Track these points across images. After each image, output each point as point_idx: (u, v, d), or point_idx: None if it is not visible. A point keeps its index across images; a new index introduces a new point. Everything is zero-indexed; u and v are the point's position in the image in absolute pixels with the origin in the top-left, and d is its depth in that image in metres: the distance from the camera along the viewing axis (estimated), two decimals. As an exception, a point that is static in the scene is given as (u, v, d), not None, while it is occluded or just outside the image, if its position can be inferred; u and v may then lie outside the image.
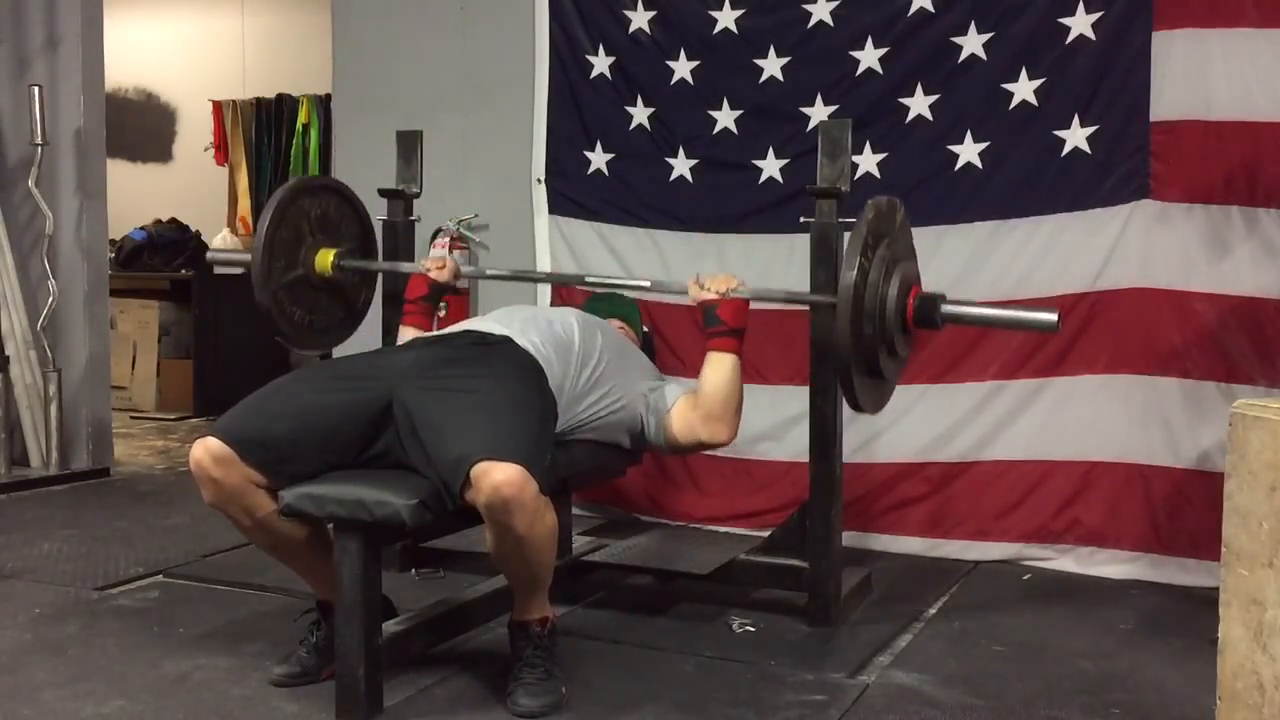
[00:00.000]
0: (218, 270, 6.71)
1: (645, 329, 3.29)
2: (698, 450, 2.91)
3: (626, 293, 3.35)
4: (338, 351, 3.50)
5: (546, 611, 2.43)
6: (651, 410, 2.80)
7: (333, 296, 3.20)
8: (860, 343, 2.52)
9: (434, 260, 3.06)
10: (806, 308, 2.96)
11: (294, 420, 2.37)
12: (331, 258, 3.11)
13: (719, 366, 2.75)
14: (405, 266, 3.18)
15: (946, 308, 2.65)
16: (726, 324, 2.75)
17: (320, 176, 3.21)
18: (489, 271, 3.31)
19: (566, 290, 4.02)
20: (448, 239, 4.14)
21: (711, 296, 2.77)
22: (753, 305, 3.75)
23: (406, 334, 2.97)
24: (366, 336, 3.38)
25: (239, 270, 3.06)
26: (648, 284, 3.23)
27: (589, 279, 3.46)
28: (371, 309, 3.38)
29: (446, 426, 2.28)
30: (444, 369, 2.47)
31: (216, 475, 2.32)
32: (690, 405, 2.78)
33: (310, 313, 3.15)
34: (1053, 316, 2.62)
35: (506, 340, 2.60)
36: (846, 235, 2.77)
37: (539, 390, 2.51)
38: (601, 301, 3.28)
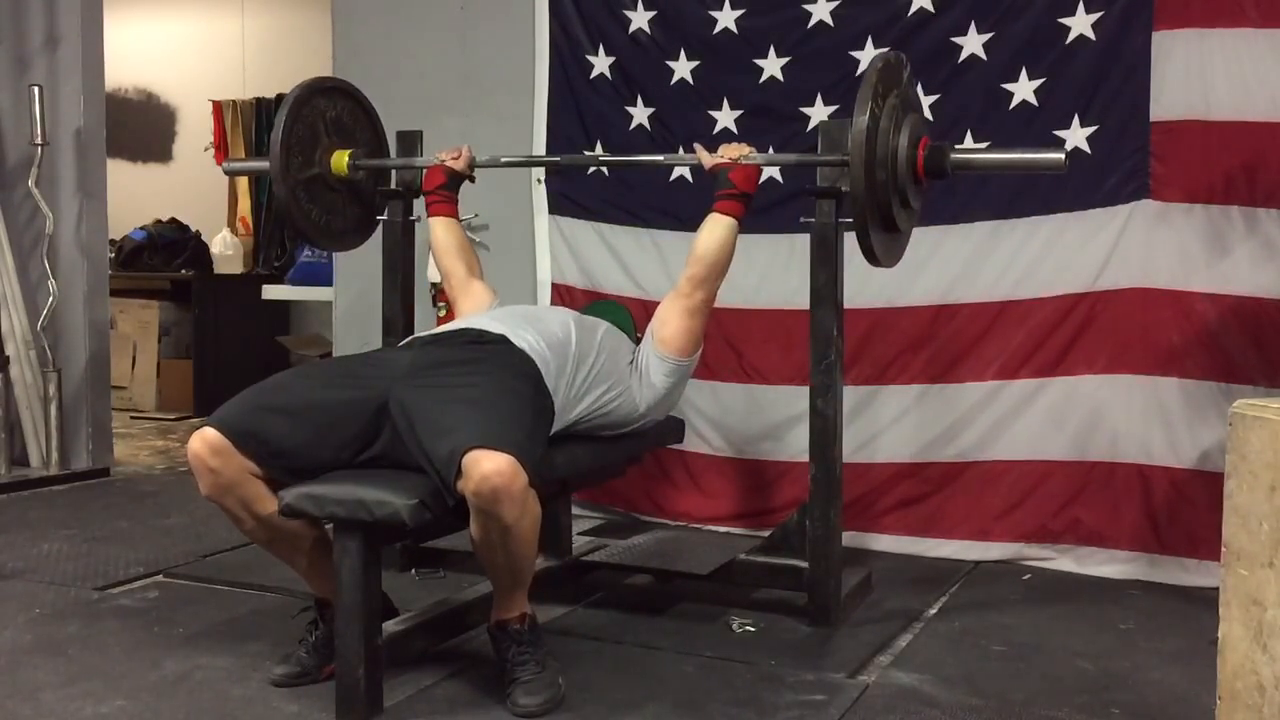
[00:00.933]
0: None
1: (639, 337, 3.29)
2: (695, 326, 2.86)
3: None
4: (342, 351, 3.49)
5: (525, 608, 2.43)
6: (640, 365, 2.83)
7: (349, 198, 3.29)
8: (874, 191, 2.56)
9: (449, 151, 3.17)
10: (806, 307, 2.96)
11: (291, 415, 2.38)
12: (347, 158, 3.20)
13: (720, 227, 2.83)
14: (420, 161, 3.27)
15: (955, 155, 2.71)
16: (736, 186, 2.83)
17: (332, 78, 3.28)
18: (503, 159, 3.36)
19: (565, 291, 4.03)
20: (448, 239, 4.13)
21: (725, 160, 2.86)
22: (754, 305, 3.78)
23: (436, 225, 3.11)
24: (366, 336, 3.38)
25: (260, 171, 3.17)
26: (660, 158, 3.40)
27: (602, 158, 3.48)
28: (373, 305, 3.38)
29: (441, 420, 2.29)
30: (440, 368, 2.47)
31: (214, 465, 2.32)
32: (665, 302, 2.87)
33: (327, 212, 3.24)
34: (1059, 156, 2.68)
35: (503, 339, 2.61)
36: (847, 235, 2.77)
37: (534, 386, 2.52)
38: (597, 309, 3.29)
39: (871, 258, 2.69)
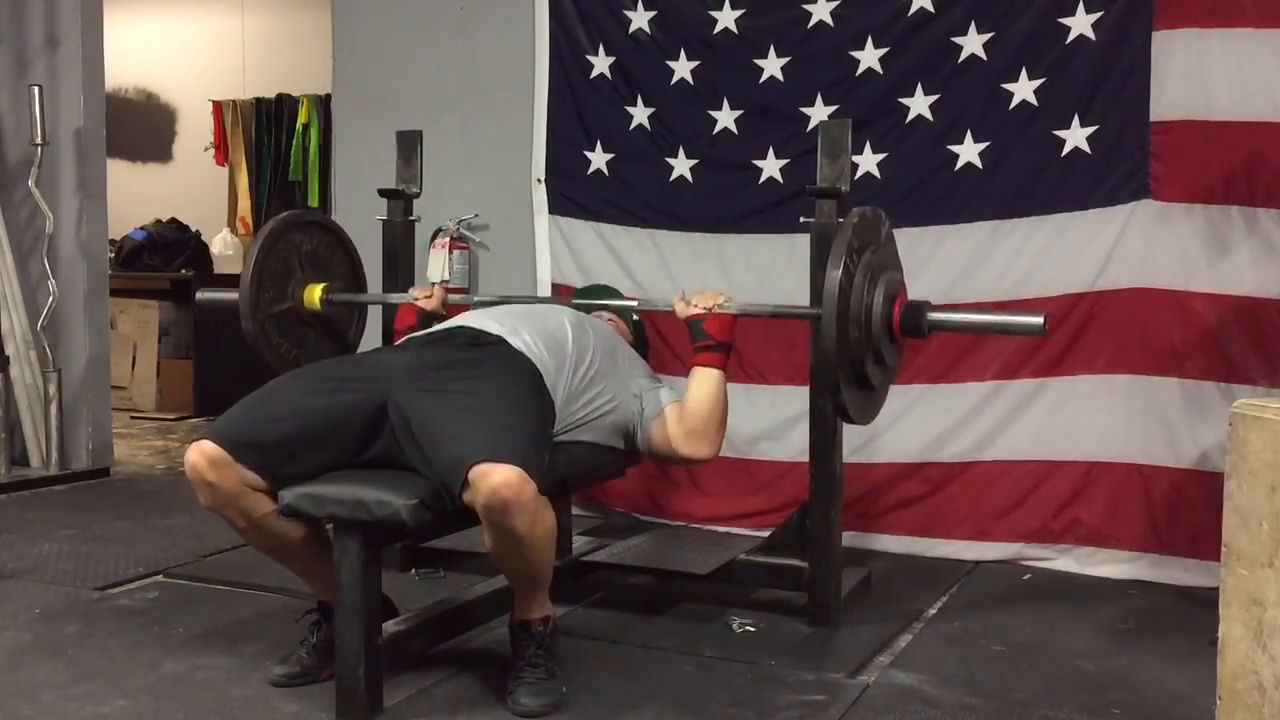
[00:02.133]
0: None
1: (636, 318, 3.29)
2: (675, 461, 2.87)
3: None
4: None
5: (548, 610, 2.43)
6: (640, 413, 2.79)
7: (321, 332, 3.22)
8: (846, 350, 2.50)
9: (421, 290, 3.08)
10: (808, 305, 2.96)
11: (289, 422, 2.37)
12: (320, 292, 3.14)
13: (704, 382, 2.73)
14: (394, 298, 3.20)
15: (933, 315, 2.63)
16: (713, 338, 2.74)
17: (311, 211, 3.24)
18: (476, 298, 3.33)
19: (566, 289, 4.02)
20: (448, 239, 4.14)
21: (698, 311, 2.77)
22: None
23: None
24: (367, 335, 3.38)
25: (230, 305, 3.08)
26: (635, 303, 3.24)
27: (576, 302, 3.44)
28: (371, 308, 3.38)
29: (444, 429, 2.28)
30: (439, 370, 2.46)
31: (212, 479, 2.32)
32: (675, 419, 2.75)
33: (298, 346, 3.17)
34: (1039, 320, 2.59)
35: (501, 341, 2.59)
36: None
37: (535, 391, 2.51)
38: (592, 292, 3.28)
39: (844, 415, 2.63)
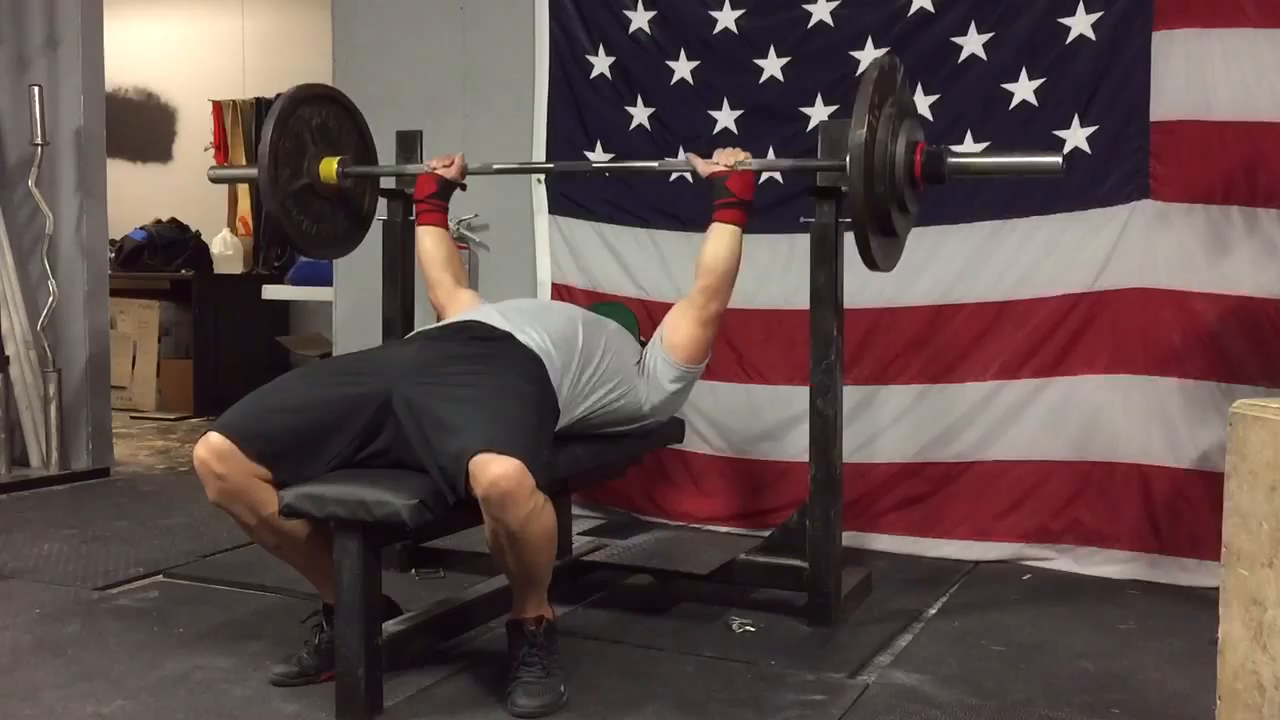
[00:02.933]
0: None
1: (641, 340, 3.28)
2: (704, 336, 2.86)
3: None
4: (342, 351, 3.49)
5: (543, 610, 2.43)
6: (648, 366, 2.84)
7: (338, 205, 3.28)
8: (873, 201, 2.56)
9: (441, 159, 3.13)
10: (805, 307, 2.95)
11: (295, 415, 2.37)
12: (335, 165, 3.19)
13: (725, 237, 2.83)
14: (411, 168, 3.25)
15: (953, 160, 2.69)
16: (734, 195, 2.82)
17: (317, 85, 3.26)
18: (495, 166, 3.35)
19: (565, 291, 4.02)
20: (448, 239, 4.14)
21: (720, 168, 2.85)
22: (754, 305, 3.78)
23: (424, 235, 3.09)
24: (366, 336, 3.38)
25: (248, 180, 3.18)
26: (655, 165, 3.37)
27: (597, 164, 3.48)
28: (372, 306, 3.38)
29: (447, 421, 2.28)
30: (445, 365, 2.46)
31: (220, 471, 2.32)
32: (676, 310, 2.87)
33: (317, 222, 3.23)
34: (1056, 159, 2.65)
35: (508, 336, 2.60)
36: (848, 235, 2.77)
37: (539, 386, 2.51)
38: (601, 310, 3.28)
39: (871, 263, 2.68)
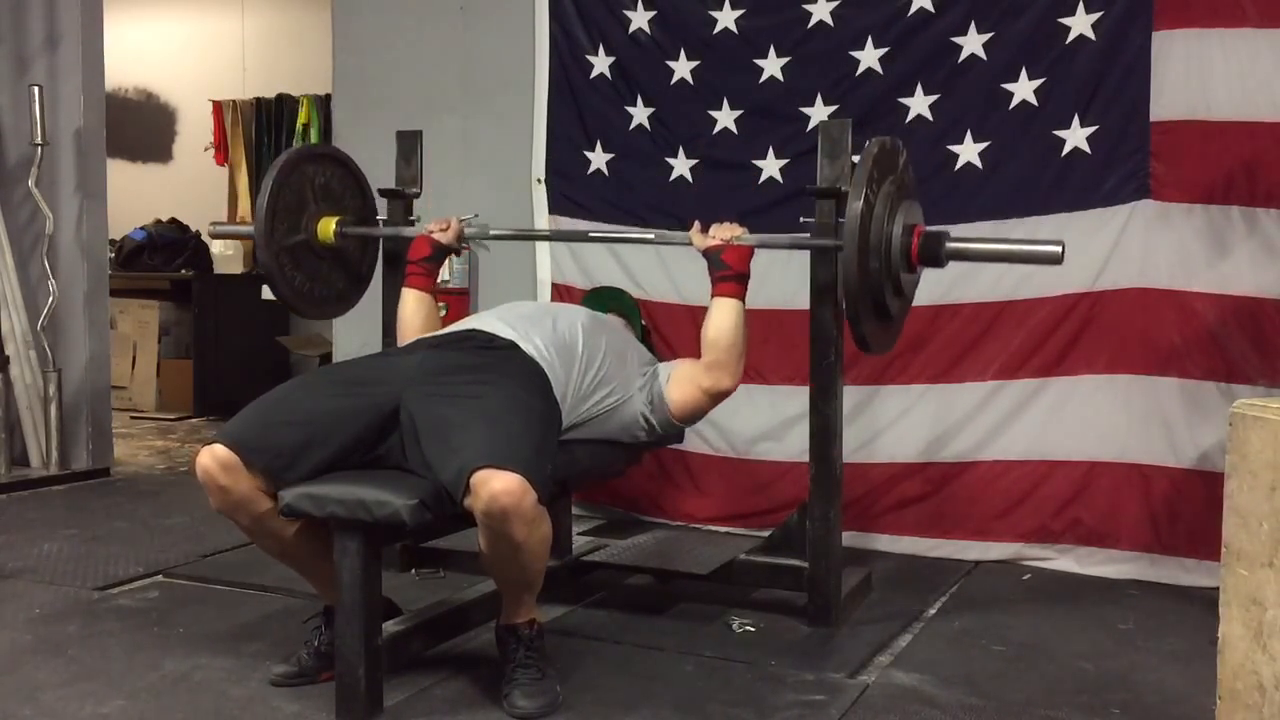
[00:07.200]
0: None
1: (644, 324, 3.29)
2: (704, 405, 2.83)
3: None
4: (342, 352, 3.48)
5: (534, 614, 2.43)
6: (648, 398, 2.79)
7: (335, 264, 3.25)
8: (867, 280, 2.53)
9: (437, 222, 3.09)
10: (806, 307, 2.96)
11: (300, 427, 2.37)
12: (334, 225, 3.16)
13: (725, 311, 2.77)
14: (408, 231, 3.22)
15: (951, 244, 2.66)
16: (732, 268, 2.78)
17: (322, 144, 3.24)
18: (492, 231, 3.34)
19: (565, 291, 4.02)
20: (448, 239, 4.13)
21: (716, 242, 2.81)
22: (753, 305, 3.76)
23: (409, 297, 3.00)
24: (366, 337, 3.38)
25: (245, 237, 3.14)
26: (652, 235, 3.27)
27: (592, 235, 3.46)
28: (372, 306, 3.38)
29: (450, 434, 2.28)
30: (449, 375, 2.46)
31: (224, 483, 2.32)
32: (687, 365, 2.81)
33: (311, 280, 3.19)
34: (1056, 248, 2.62)
35: (511, 345, 2.60)
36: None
37: (543, 397, 2.51)
38: (601, 297, 3.28)
39: (862, 342, 2.63)
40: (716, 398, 2.80)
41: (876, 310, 2.61)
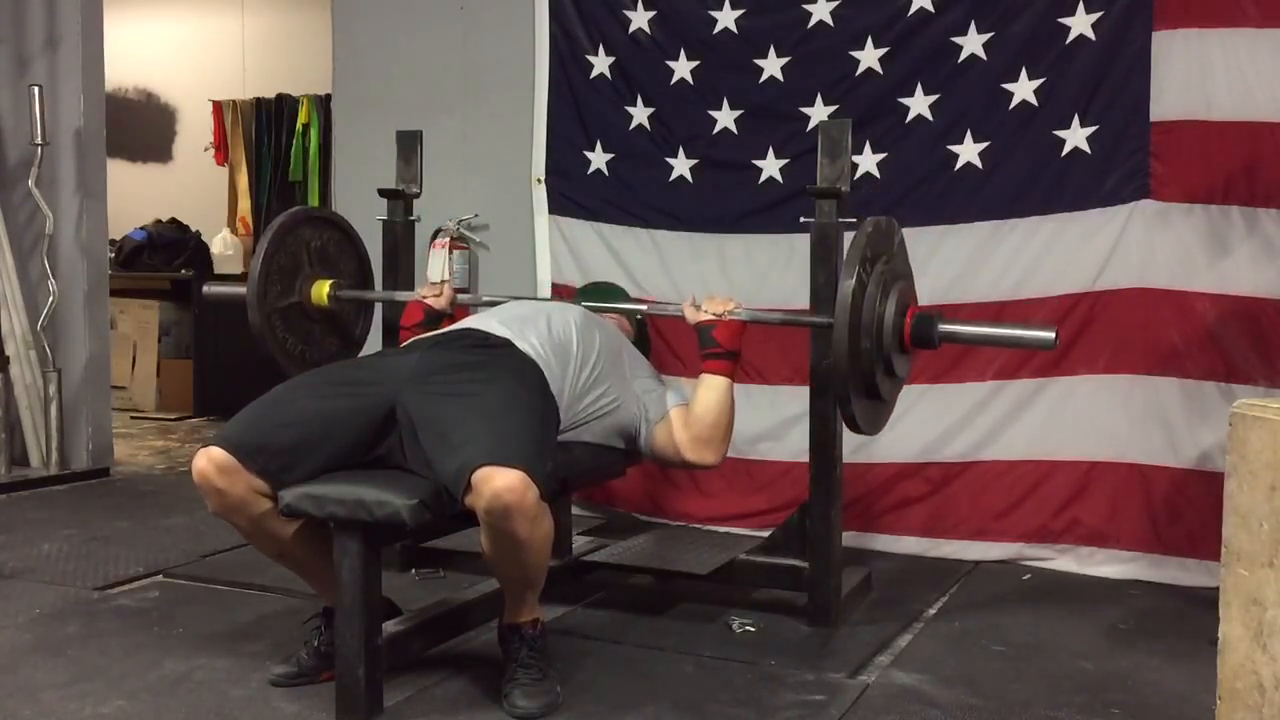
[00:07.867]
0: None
1: (639, 318, 3.29)
2: (678, 467, 2.89)
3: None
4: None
5: (537, 613, 2.44)
6: (643, 416, 2.79)
7: (328, 328, 3.23)
8: (857, 360, 2.50)
9: (430, 288, 3.07)
10: (805, 307, 2.96)
11: (297, 428, 2.36)
12: (328, 288, 3.15)
13: (712, 390, 2.75)
14: (401, 295, 3.19)
15: (944, 326, 2.63)
16: (721, 346, 2.76)
17: (320, 208, 3.22)
18: (484, 297, 3.32)
19: (565, 291, 4.02)
20: (448, 239, 4.14)
21: (707, 318, 2.78)
22: (755, 305, 3.76)
23: None
24: (371, 334, 3.38)
25: (237, 299, 3.08)
26: (644, 307, 3.24)
27: (585, 305, 3.42)
28: (373, 307, 3.38)
29: (449, 432, 2.28)
30: (446, 374, 2.46)
31: (221, 485, 2.31)
32: (680, 423, 2.77)
33: (304, 342, 3.18)
34: (1050, 334, 2.60)
35: (507, 343, 2.60)
36: (847, 235, 2.77)
37: (541, 394, 2.51)
38: (595, 291, 3.28)
39: (851, 423, 2.62)
40: (694, 469, 2.82)
41: (867, 391, 2.59)
